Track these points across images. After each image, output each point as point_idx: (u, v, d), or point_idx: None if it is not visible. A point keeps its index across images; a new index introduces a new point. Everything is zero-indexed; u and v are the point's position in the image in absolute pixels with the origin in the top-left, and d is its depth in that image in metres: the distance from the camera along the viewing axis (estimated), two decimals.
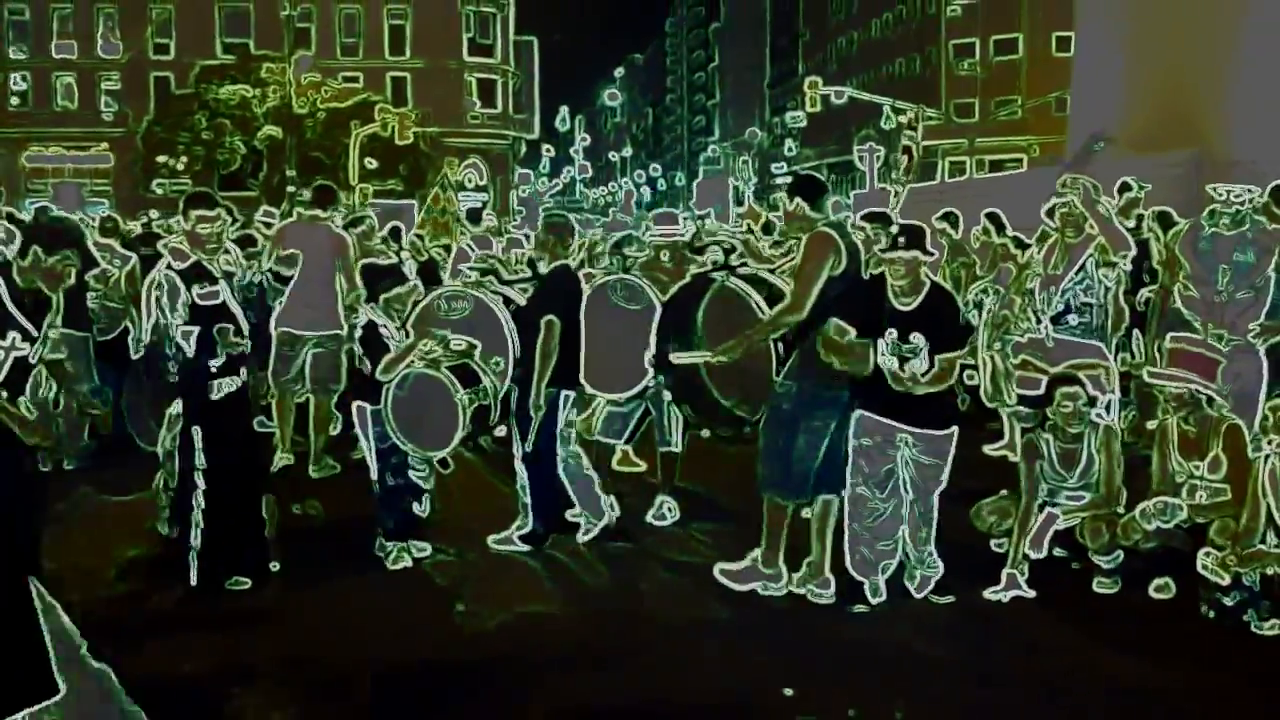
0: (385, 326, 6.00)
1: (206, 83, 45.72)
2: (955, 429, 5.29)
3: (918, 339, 5.11)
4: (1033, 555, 5.50)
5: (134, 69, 50.19)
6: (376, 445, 6.00)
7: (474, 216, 11.57)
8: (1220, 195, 6.98)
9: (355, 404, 6.20)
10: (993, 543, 5.80)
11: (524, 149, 62.36)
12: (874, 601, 5.32)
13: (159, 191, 43.09)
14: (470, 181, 49.37)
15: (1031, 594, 5.41)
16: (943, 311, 5.21)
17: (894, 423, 5.22)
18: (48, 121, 50.83)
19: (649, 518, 6.83)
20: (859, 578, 5.33)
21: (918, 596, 5.43)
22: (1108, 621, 5.26)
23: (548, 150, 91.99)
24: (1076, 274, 6.38)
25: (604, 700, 4.49)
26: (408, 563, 6.00)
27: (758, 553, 5.59)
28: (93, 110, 51.43)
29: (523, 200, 62.00)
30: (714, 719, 4.43)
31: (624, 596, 5.77)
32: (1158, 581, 5.45)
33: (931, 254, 5.21)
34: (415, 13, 52.41)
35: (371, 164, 40.53)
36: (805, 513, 5.63)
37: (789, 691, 4.41)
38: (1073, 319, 6.39)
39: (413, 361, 5.87)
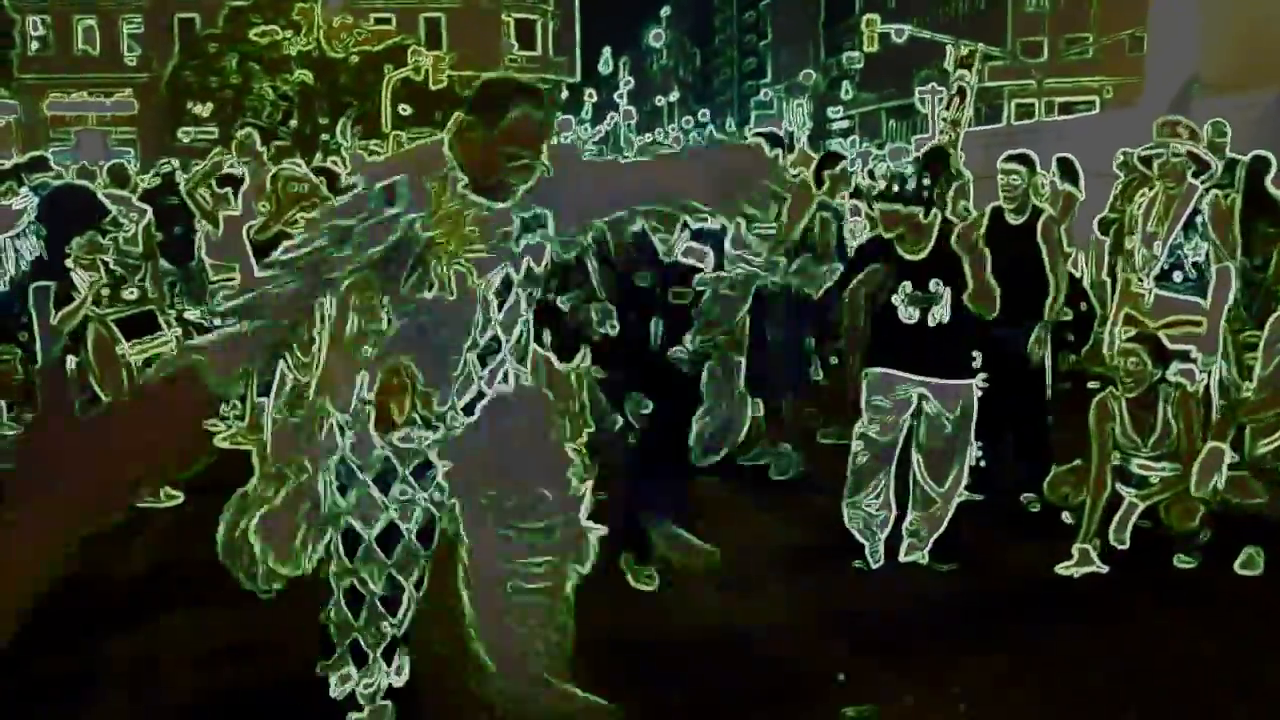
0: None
1: (235, 23, 44.01)
2: (974, 381, 5.15)
3: (937, 285, 5.01)
4: (1117, 546, 5.22)
5: (158, 10, 48.53)
6: None
7: None
8: None
9: None
10: (1064, 515, 5.49)
11: (565, 94, 60.67)
12: (874, 565, 5.25)
13: (185, 140, 41.95)
14: None
15: (1105, 569, 5.13)
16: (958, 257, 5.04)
17: (908, 374, 5.09)
18: (68, 67, 49.08)
19: None
20: (860, 540, 5.29)
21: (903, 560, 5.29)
22: (1188, 599, 4.96)
23: (590, 95, 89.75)
24: (1183, 231, 5.89)
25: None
26: None
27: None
28: (115, 55, 49.75)
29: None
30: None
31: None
32: (1243, 556, 5.11)
33: None
34: None
35: (406, 110, 39.08)
36: None
37: (842, 676, 4.23)
38: (1178, 277, 5.91)
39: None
